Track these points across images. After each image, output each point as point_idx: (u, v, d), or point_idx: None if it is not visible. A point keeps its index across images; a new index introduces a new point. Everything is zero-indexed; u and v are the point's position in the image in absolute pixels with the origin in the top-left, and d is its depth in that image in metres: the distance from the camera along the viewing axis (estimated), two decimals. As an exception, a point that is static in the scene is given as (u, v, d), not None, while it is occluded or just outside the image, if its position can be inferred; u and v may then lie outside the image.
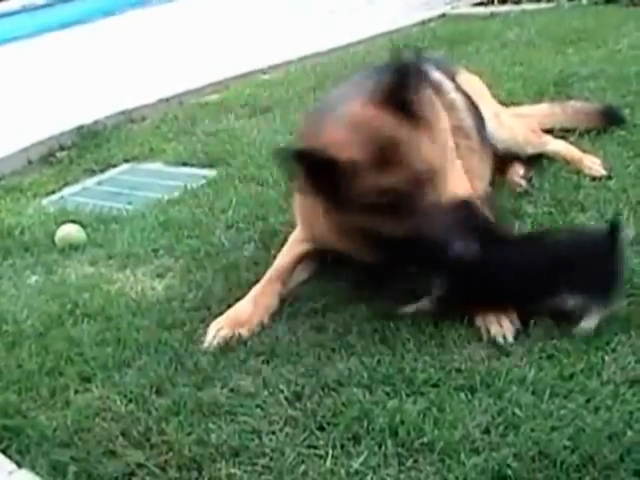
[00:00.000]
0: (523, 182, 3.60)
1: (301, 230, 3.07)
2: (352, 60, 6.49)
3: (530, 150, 3.73)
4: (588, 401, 2.28)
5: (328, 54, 6.98)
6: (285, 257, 3.03)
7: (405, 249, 2.60)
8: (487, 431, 2.21)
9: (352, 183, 2.52)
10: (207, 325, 2.78)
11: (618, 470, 2.04)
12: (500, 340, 2.57)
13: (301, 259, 3.02)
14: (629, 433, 2.14)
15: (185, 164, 4.59)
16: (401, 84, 2.55)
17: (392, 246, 2.61)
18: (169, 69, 6.47)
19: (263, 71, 6.58)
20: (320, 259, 3.06)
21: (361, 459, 2.17)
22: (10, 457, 2.35)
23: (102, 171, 4.76)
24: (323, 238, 2.92)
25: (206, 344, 2.71)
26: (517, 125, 3.71)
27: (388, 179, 2.52)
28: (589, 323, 2.51)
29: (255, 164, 4.31)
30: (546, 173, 3.69)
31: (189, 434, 2.32)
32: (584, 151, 3.77)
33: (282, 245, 3.13)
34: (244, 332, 2.74)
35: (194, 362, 2.63)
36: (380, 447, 2.21)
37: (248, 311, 2.83)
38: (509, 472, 2.07)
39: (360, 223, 2.63)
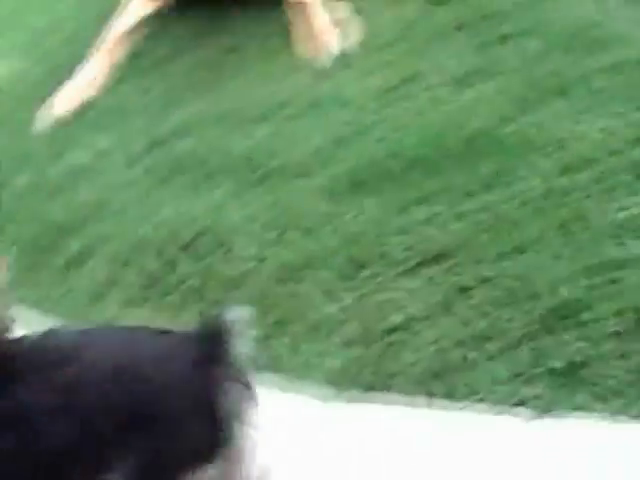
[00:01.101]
0: None
1: None
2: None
3: None
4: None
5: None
6: (128, 17, 3.11)
7: None
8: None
9: None
10: (58, 94, 2.94)
11: (440, 167, 2.28)
12: (322, 63, 2.80)
13: (144, 21, 3.13)
14: (449, 132, 2.37)
15: None
16: None
17: None
18: None
19: None
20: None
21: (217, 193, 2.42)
22: None
23: None
24: None
25: (58, 112, 2.89)
26: None
27: None
28: None
29: None
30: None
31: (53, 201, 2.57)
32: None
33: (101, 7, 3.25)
34: (93, 94, 2.94)
35: (50, 130, 2.83)
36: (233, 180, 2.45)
37: (93, 75, 2.99)
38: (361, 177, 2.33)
39: None
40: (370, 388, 1.77)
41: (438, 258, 1.99)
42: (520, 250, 1.94)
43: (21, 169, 2.72)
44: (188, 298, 2.15)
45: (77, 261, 2.35)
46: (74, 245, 2.39)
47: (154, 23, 3.16)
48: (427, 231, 2.07)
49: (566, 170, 2.08)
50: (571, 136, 2.19)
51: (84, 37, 3.23)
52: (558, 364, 1.66)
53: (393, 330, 1.86)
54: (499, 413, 1.63)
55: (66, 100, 2.92)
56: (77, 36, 3.31)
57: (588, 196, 2.00)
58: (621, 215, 1.92)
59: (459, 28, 2.78)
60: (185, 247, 2.28)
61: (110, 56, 3.03)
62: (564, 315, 1.75)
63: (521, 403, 1.63)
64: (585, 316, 1.72)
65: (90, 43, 3.11)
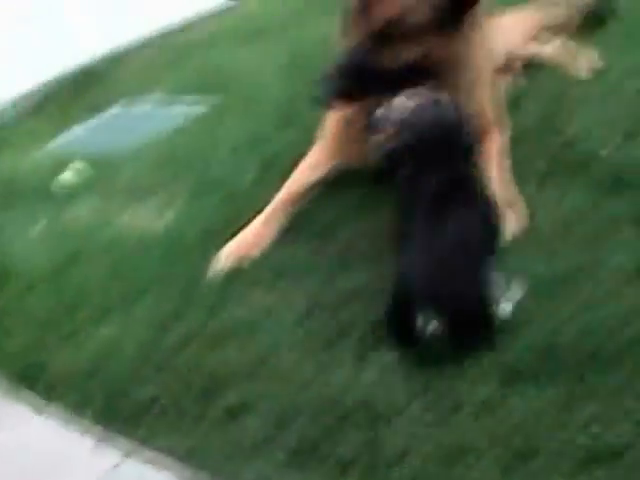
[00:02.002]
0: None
1: (323, 149, 3.22)
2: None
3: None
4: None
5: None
6: (297, 182, 3.18)
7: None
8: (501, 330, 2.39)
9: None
10: (213, 255, 2.95)
11: (618, 365, 2.20)
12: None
13: (313, 186, 3.18)
14: (627, 330, 2.29)
15: (182, 96, 4.67)
16: None
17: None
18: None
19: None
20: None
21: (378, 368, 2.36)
22: (39, 394, 2.54)
23: (97, 112, 4.81)
24: (346, 150, 3.14)
25: (214, 273, 2.90)
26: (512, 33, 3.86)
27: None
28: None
29: (255, 89, 4.38)
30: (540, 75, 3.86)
31: (205, 360, 2.52)
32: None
33: (284, 170, 3.27)
34: (252, 255, 2.94)
35: (204, 292, 2.82)
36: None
37: (255, 235, 3.01)
38: (521, 366, 2.25)
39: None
40: None
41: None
42: None
43: (183, 317, 2.71)
44: (347, 469, 2.06)
45: (232, 415, 2.28)
46: (230, 399, 2.33)
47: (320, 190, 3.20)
48: None
49: None
50: None
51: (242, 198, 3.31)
52: None
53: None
54: None
55: (231, 256, 2.93)
56: (235, 197, 3.36)
57: None
58: None
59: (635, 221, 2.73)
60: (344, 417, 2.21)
61: (276, 218, 3.05)
62: None
63: None
64: None
65: (249, 204, 3.17)
